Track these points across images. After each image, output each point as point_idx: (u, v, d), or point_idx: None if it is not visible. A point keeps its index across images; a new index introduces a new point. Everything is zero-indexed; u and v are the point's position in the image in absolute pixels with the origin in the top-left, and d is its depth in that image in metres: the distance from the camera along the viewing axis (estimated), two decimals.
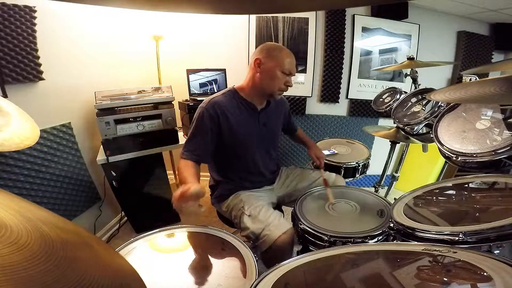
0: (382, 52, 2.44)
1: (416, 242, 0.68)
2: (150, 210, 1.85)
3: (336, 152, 1.62)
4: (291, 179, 1.39)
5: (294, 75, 1.16)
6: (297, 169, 1.45)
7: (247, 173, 1.27)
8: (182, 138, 1.95)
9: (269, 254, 1.00)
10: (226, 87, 2.16)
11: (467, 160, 0.78)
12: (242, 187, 1.26)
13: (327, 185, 1.26)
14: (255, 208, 1.11)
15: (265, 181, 1.34)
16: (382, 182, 1.83)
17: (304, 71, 2.39)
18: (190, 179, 0.99)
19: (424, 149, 1.46)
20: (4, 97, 1.20)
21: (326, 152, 1.60)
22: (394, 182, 1.84)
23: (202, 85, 2.10)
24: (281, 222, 1.06)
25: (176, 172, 2.61)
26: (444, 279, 0.52)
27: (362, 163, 1.49)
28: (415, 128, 1.34)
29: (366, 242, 0.90)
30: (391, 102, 1.61)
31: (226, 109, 1.14)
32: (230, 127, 1.15)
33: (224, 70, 2.17)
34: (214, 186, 1.33)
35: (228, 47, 2.35)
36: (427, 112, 1.22)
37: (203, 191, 0.88)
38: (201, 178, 1.12)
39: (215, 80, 2.16)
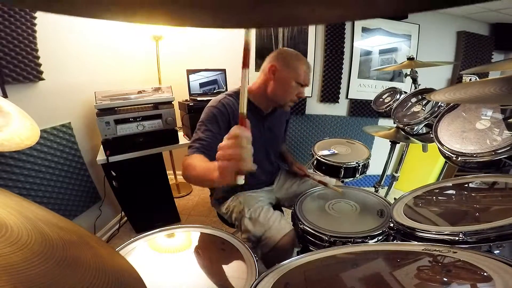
0: (382, 52, 2.44)
1: (416, 242, 0.68)
2: (150, 210, 1.85)
3: (336, 152, 1.62)
4: (291, 183, 1.39)
5: (308, 86, 1.12)
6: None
7: (247, 176, 1.25)
8: (182, 138, 1.96)
9: (270, 256, 1.00)
10: (226, 87, 2.17)
11: (467, 160, 0.78)
12: (242, 189, 1.25)
13: (326, 184, 1.26)
14: (255, 210, 1.11)
15: (265, 183, 1.34)
16: (382, 182, 1.83)
17: None
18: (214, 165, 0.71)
19: (424, 149, 1.46)
20: (4, 97, 1.20)
21: (326, 152, 1.59)
22: (394, 182, 1.84)
23: (202, 85, 2.10)
24: (282, 224, 1.06)
25: (178, 175, 2.60)
26: (444, 279, 0.52)
27: (362, 163, 1.49)
28: (415, 128, 1.34)
29: (366, 242, 0.90)
30: (391, 102, 1.61)
31: (236, 110, 1.09)
32: None
33: (224, 70, 2.17)
34: (213, 187, 1.32)
35: (228, 47, 2.35)
36: (427, 112, 1.22)
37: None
38: None
39: (215, 80, 2.16)
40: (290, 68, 1.05)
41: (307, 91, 2.42)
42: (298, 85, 1.07)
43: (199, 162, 0.85)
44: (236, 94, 1.15)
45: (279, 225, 1.04)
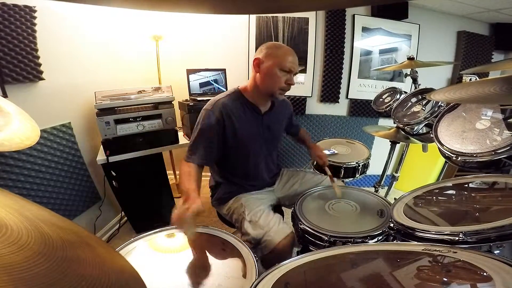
0: (382, 52, 2.44)
1: (416, 242, 0.68)
2: (150, 210, 1.85)
3: (336, 152, 1.62)
4: (292, 182, 1.38)
5: (296, 72, 1.11)
6: (299, 172, 1.44)
7: (248, 176, 1.26)
8: (182, 138, 1.96)
9: (269, 259, 1.00)
10: (226, 87, 2.17)
11: (467, 160, 0.78)
12: (243, 189, 1.25)
13: (332, 180, 1.27)
14: (256, 213, 1.11)
15: (266, 184, 1.34)
16: (382, 182, 1.83)
17: (304, 71, 2.39)
18: (191, 191, 0.97)
19: (424, 149, 1.46)
20: (4, 97, 1.20)
21: (326, 152, 1.59)
22: (394, 182, 1.84)
23: (202, 85, 2.10)
24: (281, 227, 1.06)
25: (178, 175, 2.61)
26: (444, 279, 0.52)
27: (362, 163, 1.49)
28: (415, 128, 1.34)
29: (366, 242, 0.90)
30: (391, 102, 1.61)
31: (231, 111, 1.12)
32: (235, 129, 1.13)
33: (224, 70, 2.17)
34: (214, 187, 1.32)
35: (228, 47, 2.35)
36: (427, 112, 1.22)
37: (203, 208, 0.88)
38: (201, 178, 1.12)
39: (215, 80, 2.16)
40: (272, 56, 1.08)
41: (307, 91, 2.43)
42: (284, 72, 1.08)
43: (186, 178, 1.03)
44: (233, 95, 1.18)
45: (278, 228, 1.04)
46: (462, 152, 0.79)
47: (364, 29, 2.35)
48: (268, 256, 1.00)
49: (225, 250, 0.84)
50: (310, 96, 2.46)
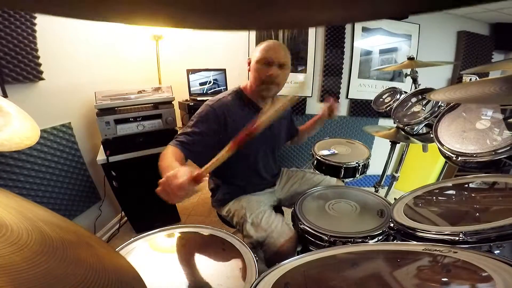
0: (382, 52, 2.44)
1: (416, 242, 0.68)
2: (150, 210, 1.85)
3: (336, 152, 1.62)
4: (292, 182, 1.38)
5: (278, 63, 1.05)
6: (299, 172, 1.44)
7: (248, 176, 1.25)
8: None
9: (272, 260, 0.99)
10: (226, 87, 2.17)
11: (467, 160, 0.78)
12: (243, 191, 1.25)
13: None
14: (257, 215, 1.10)
15: (267, 184, 1.34)
16: (382, 182, 1.83)
17: (304, 71, 2.39)
18: (175, 165, 0.83)
19: (424, 149, 1.46)
20: (4, 97, 1.20)
21: (326, 152, 1.59)
22: (394, 182, 1.84)
23: (202, 85, 2.10)
24: (284, 228, 1.05)
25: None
26: (444, 279, 0.52)
27: (362, 163, 1.49)
28: (415, 128, 1.34)
29: (366, 242, 0.90)
30: (391, 102, 1.61)
31: (234, 110, 1.12)
32: (236, 128, 1.12)
33: (224, 70, 2.17)
34: (214, 189, 1.32)
35: (228, 47, 2.35)
36: (427, 112, 1.22)
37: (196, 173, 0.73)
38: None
39: (215, 80, 2.16)
40: (254, 53, 1.11)
41: (307, 91, 2.43)
42: (263, 65, 1.05)
43: (168, 158, 0.92)
44: (234, 93, 1.18)
45: (281, 230, 1.04)
46: (462, 152, 0.79)
47: (364, 29, 2.35)
48: (271, 258, 1.00)
49: (225, 250, 0.84)
50: (310, 96, 2.46)
